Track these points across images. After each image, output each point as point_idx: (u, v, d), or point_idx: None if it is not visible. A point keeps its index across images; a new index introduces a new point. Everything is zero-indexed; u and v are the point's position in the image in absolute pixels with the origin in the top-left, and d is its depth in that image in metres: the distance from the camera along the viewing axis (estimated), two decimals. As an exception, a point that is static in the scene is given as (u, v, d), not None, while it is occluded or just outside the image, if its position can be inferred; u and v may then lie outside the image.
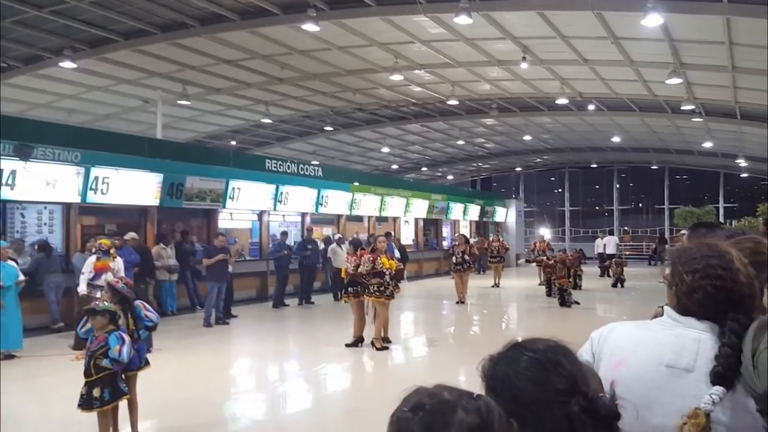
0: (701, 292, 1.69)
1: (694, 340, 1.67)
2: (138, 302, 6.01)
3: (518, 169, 38.99)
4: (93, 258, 10.01)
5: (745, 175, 34.75)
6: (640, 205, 39.40)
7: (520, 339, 1.42)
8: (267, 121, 22.43)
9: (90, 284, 9.86)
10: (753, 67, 14.96)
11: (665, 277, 1.83)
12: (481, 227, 30.08)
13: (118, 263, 9.95)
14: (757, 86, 16.53)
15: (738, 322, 1.62)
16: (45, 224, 12.83)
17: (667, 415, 1.61)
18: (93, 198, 12.25)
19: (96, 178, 12.21)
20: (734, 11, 11.66)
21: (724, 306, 1.66)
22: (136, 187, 13.12)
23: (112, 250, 10.00)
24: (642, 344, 1.75)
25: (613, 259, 22.40)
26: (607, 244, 25.37)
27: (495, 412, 1.17)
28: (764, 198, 29.95)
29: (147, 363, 5.83)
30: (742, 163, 30.49)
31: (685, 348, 1.67)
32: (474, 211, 28.79)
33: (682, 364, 1.65)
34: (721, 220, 32.36)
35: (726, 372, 1.57)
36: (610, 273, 22.87)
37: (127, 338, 5.25)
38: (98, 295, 8.57)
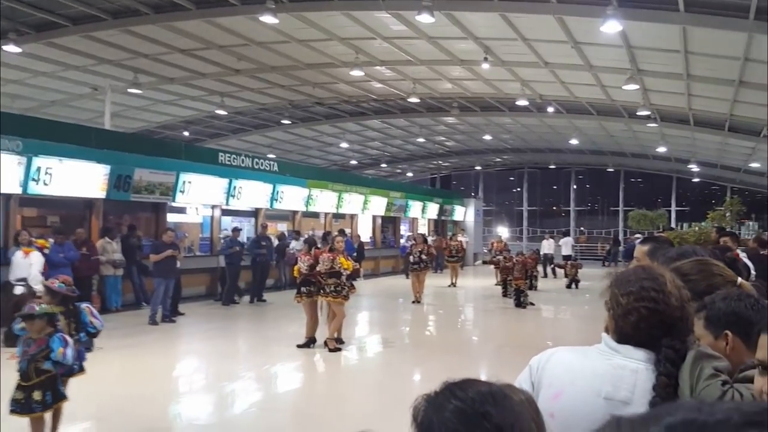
0: (635, 314, 1.71)
1: (632, 372, 1.68)
2: (85, 306, 5.80)
3: (478, 167, 39.09)
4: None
5: (696, 179, 35.55)
6: (596, 206, 39.99)
7: (453, 380, 1.29)
8: (222, 112, 21.99)
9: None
10: (707, 75, 15.28)
11: (605, 303, 1.83)
12: (440, 226, 30.06)
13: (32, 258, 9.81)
14: (710, 94, 16.97)
15: (673, 348, 1.66)
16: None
17: None
18: (35, 189, 11.75)
19: (39, 168, 11.72)
20: (690, 21, 11.82)
21: (657, 329, 1.69)
22: (81, 178, 12.64)
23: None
24: (580, 375, 1.74)
25: (569, 261, 22.58)
26: (563, 245, 25.45)
27: None
28: (714, 202, 30.76)
29: (81, 369, 5.56)
30: (693, 168, 31.16)
31: (622, 380, 1.68)
32: (433, 209, 28.75)
33: (620, 396, 1.67)
34: (673, 223, 33.16)
35: (664, 402, 1.50)
36: (557, 274, 23.31)
37: (70, 340, 5.10)
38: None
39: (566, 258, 23.98)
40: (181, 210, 16.70)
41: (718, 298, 1.93)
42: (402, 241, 26.00)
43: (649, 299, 1.70)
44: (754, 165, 27.20)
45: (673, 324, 1.70)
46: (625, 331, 1.73)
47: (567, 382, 1.74)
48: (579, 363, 1.78)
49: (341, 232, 16.05)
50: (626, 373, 1.68)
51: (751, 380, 1.58)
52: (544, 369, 1.82)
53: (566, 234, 28.21)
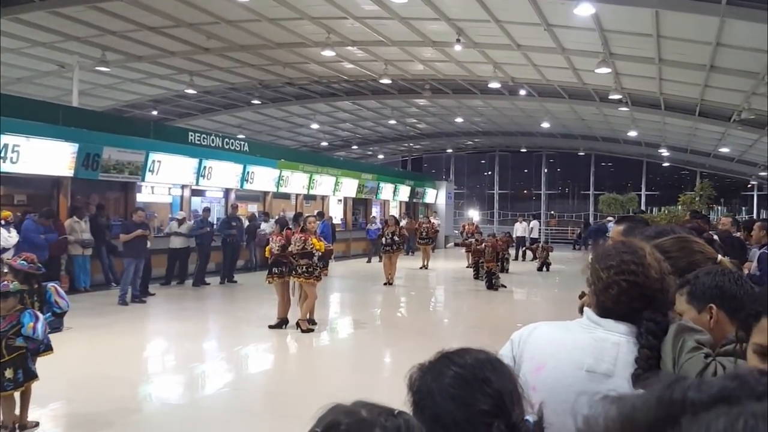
0: (616, 287, 1.71)
1: (614, 344, 1.69)
2: (51, 285, 5.77)
3: (449, 150, 39.16)
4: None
5: (666, 164, 35.88)
6: (567, 190, 40.25)
7: (449, 349, 1.34)
8: (191, 91, 21.65)
9: None
10: (678, 60, 15.33)
11: (587, 280, 1.84)
12: (411, 208, 30.09)
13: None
14: (681, 79, 17.03)
15: (654, 321, 1.66)
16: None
17: None
18: (1, 167, 11.51)
19: (5, 146, 11.50)
20: (663, 4, 11.82)
21: (638, 302, 1.69)
22: (49, 156, 12.44)
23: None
24: (562, 348, 1.74)
25: (540, 243, 22.84)
26: (533, 228, 25.82)
27: (416, 431, 1.09)
28: (683, 187, 31.20)
29: (49, 348, 5.51)
30: (664, 152, 31.43)
31: (604, 352, 1.68)
32: (404, 191, 28.75)
33: (602, 368, 1.67)
34: (643, 207, 33.57)
35: (646, 374, 1.58)
36: (527, 256, 23.50)
37: (40, 315, 5.13)
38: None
39: (534, 241, 24.35)
40: (146, 190, 16.45)
41: (702, 273, 1.95)
42: (376, 223, 25.72)
43: (629, 272, 1.70)
44: (724, 150, 27.60)
45: (653, 297, 1.70)
46: (606, 305, 1.74)
47: (549, 355, 1.75)
48: (561, 337, 1.79)
49: (320, 214, 15.93)
50: (608, 345, 1.69)
51: (731, 354, 1.61)
52: (526, 343, 1.82)
53: (535, 218, 28.63)
